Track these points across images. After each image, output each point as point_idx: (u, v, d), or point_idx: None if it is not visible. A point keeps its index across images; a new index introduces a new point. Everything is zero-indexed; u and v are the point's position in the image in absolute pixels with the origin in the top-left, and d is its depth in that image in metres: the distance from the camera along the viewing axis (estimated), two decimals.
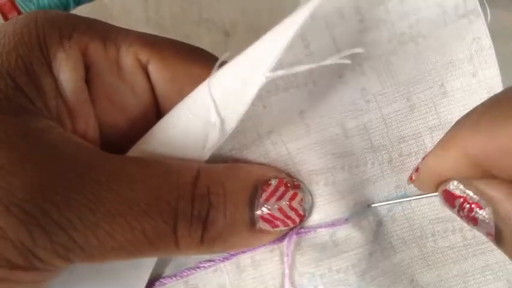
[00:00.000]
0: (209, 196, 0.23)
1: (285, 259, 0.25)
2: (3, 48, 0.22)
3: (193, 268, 0.26)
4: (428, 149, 0.27)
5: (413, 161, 0.27)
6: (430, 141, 0.27)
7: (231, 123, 0.24)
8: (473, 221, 0.21)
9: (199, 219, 0.23)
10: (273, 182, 0.25)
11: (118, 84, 0.26)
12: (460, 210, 0.21)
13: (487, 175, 0.20)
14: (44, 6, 0.47)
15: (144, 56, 0.26)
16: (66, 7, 0.48)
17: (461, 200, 0.21)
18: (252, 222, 0.24)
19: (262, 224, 0.24)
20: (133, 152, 0.26)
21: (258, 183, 0.25)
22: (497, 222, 0.20)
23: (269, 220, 0.24)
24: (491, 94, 0.23)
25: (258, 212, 0.24)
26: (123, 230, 0.21)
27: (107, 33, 0.25)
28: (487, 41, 0.25)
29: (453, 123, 0.23)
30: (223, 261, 0.26)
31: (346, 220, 0.26)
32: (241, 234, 0.24)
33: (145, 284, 0.25)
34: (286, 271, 0.25)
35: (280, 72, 0.22)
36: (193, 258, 0.26)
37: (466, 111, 0.21)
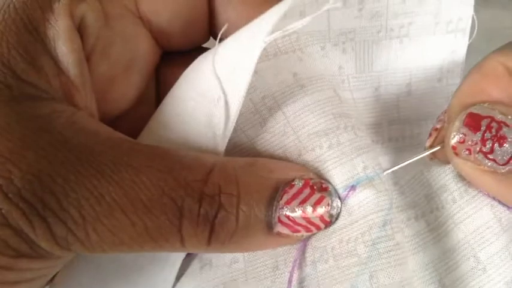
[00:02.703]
0: (220, 196, 0.21)
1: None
2: None
3: None
4: (386, 139, 0.27)
5: (373, 145, 0.27)
6: (387, 133, 0.27)
7: (236, 100, 0.23)
8: (501, 140, 0.21)
9: (206, 220, 0.21)
10: (298, 183, 0.23)
11: (108, 34, 0.25)
12: (486, 131, 0.21)
13: None
14: None
15: None
16: None
17: (489, 120, 0.21)
18: (269, 225, 0.22)
19: (280, 228, 0.22)
20: (143, 137, 0.25)
21: (280, 183, 0.22)
22: None
23: (288, 225, 0.22)
24: (449, 98, 0.25)
25: (276, 216, 0.22)
26: (123, 225, 0.20)
27: None
28: (462, 54, 0.27)
29: (411, 120, 0.25)
30: None
31: (353, 187, 0.24)
32: (256, 237, 0.22)
33: (172, 284, 0.25)
34: (299, 246, 0.24)
35: (277, 33, 0.21)
36: None
37: (426, 109, 0.24)
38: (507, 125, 0.21)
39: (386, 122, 0.27)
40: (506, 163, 0.21)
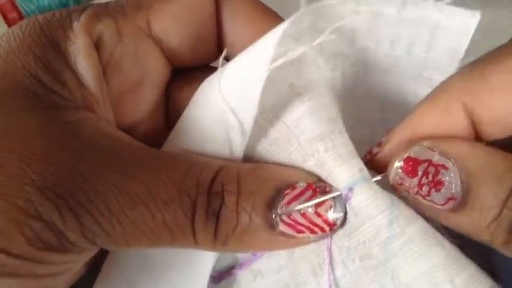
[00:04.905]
0: (223, 193, 0.23)
1: (327, 240, 0.25)
2: (18, 50, 0.24)
3: (252, 257, 0.27)
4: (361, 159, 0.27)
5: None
6: (361, 153, 0.27)
7: (248, 123, 0.24)
8: (438, 185, 0.21)
9: (213, 214, 0.23)
10: (301, 185, 0.24)
11: (122, 51, 0.26)
12: (423, 177, 0.22)
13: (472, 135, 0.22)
14: (43, 6, 0.47)
15: (142, 19, 0.26)
16: (66, 7, 0.48)
17: (426, 164, 0.22)
18: (271, 224, 0.23)
19: (283, 228, 0.23)
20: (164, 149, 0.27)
21: (282, 185, 0.24)
22: (465, 179, 0.21)
23: (291, 224, 0.23)
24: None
25: (278, 214, 0.23)
26: (145, 218, 0.22)
27: (101, 9, 0.26)
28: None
29: (387, 141, 0.25)
30: None
31: (351, 189, 0.24)
32: (258, 235, 0.23)
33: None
34: (328, 244, 0.25)
35: (280, 61, 0.22)
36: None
37: (398, 137, 0.24)
38: (445, 168, 0.21)
39: (363, 141, 0.28)
40: (445, 203, 0.21)
